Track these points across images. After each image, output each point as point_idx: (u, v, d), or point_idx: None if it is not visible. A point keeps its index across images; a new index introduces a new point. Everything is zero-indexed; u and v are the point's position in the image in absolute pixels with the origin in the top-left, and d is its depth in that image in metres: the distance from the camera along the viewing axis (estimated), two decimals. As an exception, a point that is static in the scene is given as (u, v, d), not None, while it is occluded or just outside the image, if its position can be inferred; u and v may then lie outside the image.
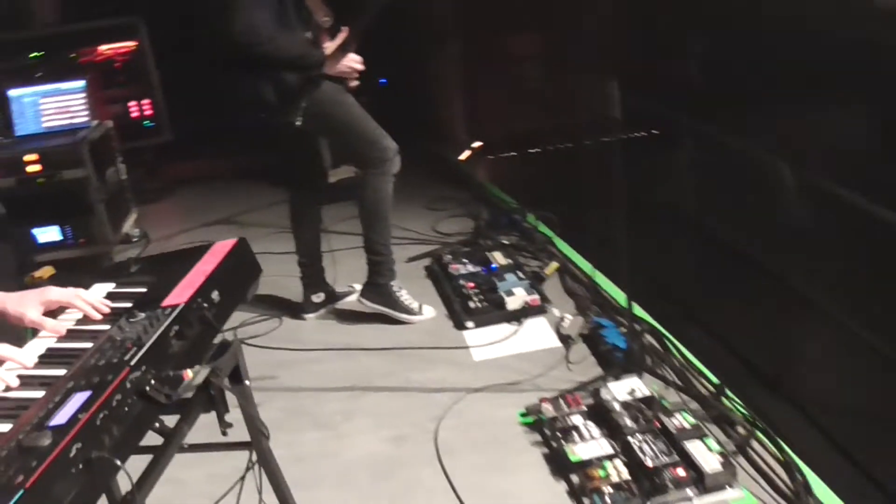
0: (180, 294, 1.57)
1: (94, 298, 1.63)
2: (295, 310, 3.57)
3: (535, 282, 3.47)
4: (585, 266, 3.62)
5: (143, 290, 1.69)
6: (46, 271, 3.41)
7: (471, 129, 6.36)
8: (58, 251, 4.27)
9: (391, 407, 2.79)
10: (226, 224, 4.96)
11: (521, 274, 3.48)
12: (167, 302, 1.57)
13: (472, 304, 3.32)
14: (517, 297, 3.28)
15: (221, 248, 1.86)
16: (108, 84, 6.04)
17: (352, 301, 3.59)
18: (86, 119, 4.40)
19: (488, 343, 3.13)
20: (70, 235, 4.27)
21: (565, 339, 3.07)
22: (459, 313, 3.31)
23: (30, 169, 4.13)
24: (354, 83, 3.22)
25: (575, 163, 5.83)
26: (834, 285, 3.02)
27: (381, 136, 3.23)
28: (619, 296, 3.27)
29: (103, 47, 6.01)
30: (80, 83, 4.40)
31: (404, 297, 3.41)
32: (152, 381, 1.34)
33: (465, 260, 3.73)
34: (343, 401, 2.87)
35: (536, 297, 3.29)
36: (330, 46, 3.14)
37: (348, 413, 2.79)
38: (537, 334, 3.16)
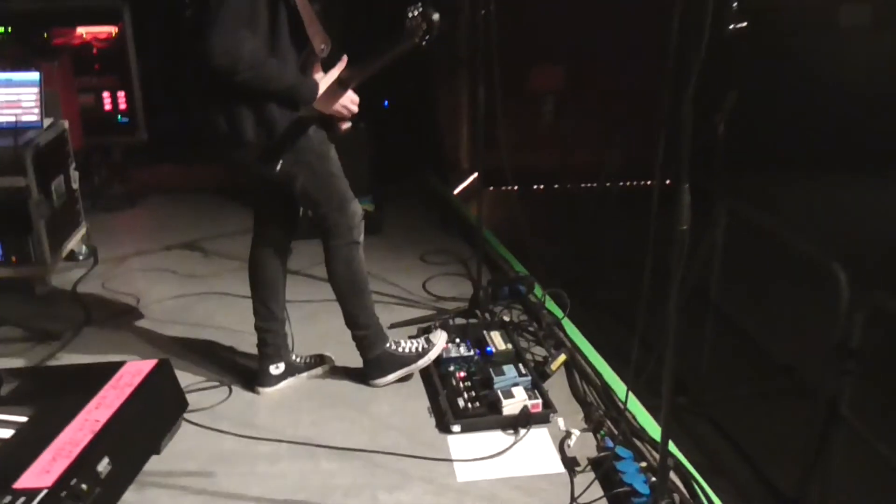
0: (48, 466, 1.07)
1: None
2: (250, 378, 3.06)
3: (539, 378, 2.97)
4: (601, 365, 3.13)
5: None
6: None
7: (475, 159, 5.96)
8: (-17, 268, 3.74)
9: (349, 540, 2.28)
10: (188, 250, 4.44)
11: (522, 368, 2.98)
12: (23, 482, 1.07)
13: (461, 402, 2.82)
14: (516, 401, 2.78)
15: (135, 372, 1.41)
16: (83, 70, 5.54)
17: (317, 374, 3.09)
18: (36, 118, 3.86)
19: (476, 458, 2.62)
20: (1, 251, 3.73)
21: (570, 465, 2.58)
22: (446, 412, 2.80)
23: (-39, 171, 3.60)
24: (346, 126, 2.73)
25: (591, 210, 5.41)
26: None
27: (352, 200, 2.83)
28: (645, 418, 2.78)
29: (81, 29, 5.52)
30: (34, 76, 3.88)
31: (407, 346, 3.00)
32: None
33: (457, 338, 3.22)
34: (291, 522, 2.36)
35: (539, 402, 2.80)
36: (324, 80, 2.64)
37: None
38: (537, 452, 2.66)
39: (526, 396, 2.80)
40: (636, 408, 2.86)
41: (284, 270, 3.00)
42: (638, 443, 2.64)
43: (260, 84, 2.50)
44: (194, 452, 2.65)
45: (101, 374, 1.33)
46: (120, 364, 1.38)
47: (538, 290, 3.68)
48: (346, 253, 2.84)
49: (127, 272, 4.15)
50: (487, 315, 3.54)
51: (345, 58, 2.70)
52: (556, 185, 6.69)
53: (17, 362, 3.22)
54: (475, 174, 5.88)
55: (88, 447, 1.16)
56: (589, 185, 6.33)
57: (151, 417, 1.33)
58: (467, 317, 3.53)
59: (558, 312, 3.54)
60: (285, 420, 2.85)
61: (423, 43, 2.47)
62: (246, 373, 3.10)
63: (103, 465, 1.16)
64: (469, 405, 2.80)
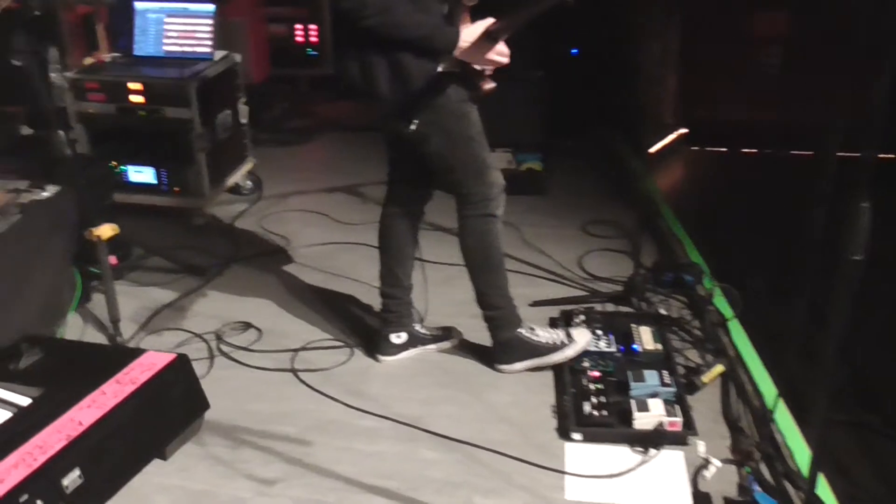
0: (4, 474, 0.95)
1: None
2: (374, 342, 2.93)
3: (685, 390, 2.61)
4: (765, 384, 2.69)
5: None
6: (107, 230, 2.97)
7: (680, 113, 5.45)
8: (148, 195, 3.88)
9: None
10: (348, 194, 4.38)
11: (667, 375, 2.62)
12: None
13: (587, 407, 2.52)
14: (650, 416, 2.44)
15: (146, 366, 1.28)
16: (276, 0, 5.63)
17: (442, 348, 2.91)
18: (207, 50, 3.90)
19: (592, 475, 2.33)
20: (165, 181, 3.85)
21: (701, 501, 2.23)
22: (568, 415, 2.52)
23: (133, 99, 3.72)
24: (490, 86, 2.45)
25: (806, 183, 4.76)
26: None
27: (491, 168, 2.57)
28: (806, 455, 2.35)
29: (282, -43, 5.59)
30: (210, 7, 3.90)
31: (542, 335, 2.75)
32: None
33: (599, 329, 2.91)
34: (376, 512, 2.22)
35: (678, 420, 2.44)
36: (472, 30, 2.37)
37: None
38: (664, 479, 2.33)
39: (664, 412, 2.45)
40: (797, 443, 2.43)
41: (415, 236, 2.81)
42: (790, 490, 2.24)
43: (390, 31, 2.29)
44: (298, 416, 2.59)
45: (114, 362, 1.22)
46: (138, 353, 1.27)
47: (707, 282, 3.25)
48: (479, 225, 2.61)
49: (284, 211, 4.16)
50: (643, 304, 3.18)
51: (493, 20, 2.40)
52: (768, 150, 6.00)
53: (160, 294, 3.31)
54: (679, 131, 5.41)
55: (57, 456, 1.04)
56: (807, 152, 5.60)
57: (154, 421, 1.21)
58: (619, 304, 3.19)
59: (727, 312, 3.10)
60: (396, 394, 2.71)
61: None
62: (372, 335, 2.97)
63: (71, 479, 1.04)
64: (596, 412, 2.50)
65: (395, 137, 2.63)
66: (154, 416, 1.23)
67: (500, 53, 2.42)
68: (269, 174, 4.57)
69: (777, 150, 5.35)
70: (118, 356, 1.27)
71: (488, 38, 2.37)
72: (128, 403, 1.19)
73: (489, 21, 2.37)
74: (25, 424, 1.11)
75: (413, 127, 2.46)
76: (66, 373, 1.22)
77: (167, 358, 1.26)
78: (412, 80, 2.36)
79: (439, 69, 2.39)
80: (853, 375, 2.68)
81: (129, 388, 1.21)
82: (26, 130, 4.09)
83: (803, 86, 5.05)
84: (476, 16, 2.45)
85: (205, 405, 1.28)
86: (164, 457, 1.27)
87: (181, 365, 1.26)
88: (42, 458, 1.04)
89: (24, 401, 1.21)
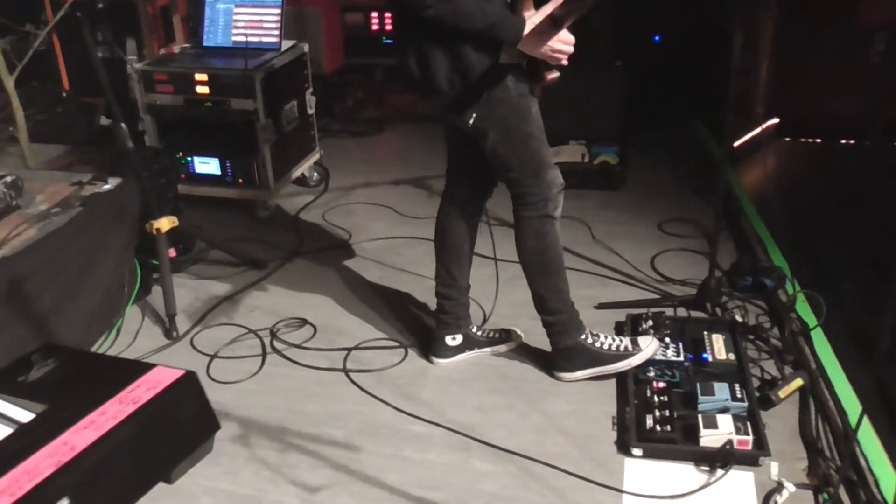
0: None
1: None
2: (429, 343, 2.85)
3: (758, 406, 2.44)
4: (849, 401, 2.49)
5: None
6: (166, 223, 2.98)
7: (773, 103, 5.17)
8: (213, 186, 3.90)
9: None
10: (415, 186, 4.31)
11: (738, 390, 2.45)
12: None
13: (649, 421, 2.38)
14: (718, 433, 2.29)
15: (152, 384, 1.23)
16: (353, -13, 5.60)
17: (500, 351, 2.82)
18: (274, 40, 3.88)
19: (652, 495, 2.20)
20: (230, 172, 3.86)
21: (772, 530, 2.07)
22: (629, 429, 2.39)
23: (199, 90, 3.73)
24: (554, 76, 2.31)
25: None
26: None
27: (550, 167, 2.44)
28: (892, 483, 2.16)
29: (353, -52, 5.55)
30: (278, -2, 3.88)
31: (605, 342, 2.63)
32: None
33: (667, 336, 2.75)
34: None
35: (749, 438, 2.28)
36: (533, 18, 2.24)
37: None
38: (731, 502, 2.17)
39: (733, 429, 2.29)
40: (884, 469, 2.23)
41: (473, 235, 2.71)
42: (872, 521, 2.05)
43: (453, 21, 2.18)
44: (348, 418, 2.53)
45: (121, 379, 1.17)
46: (147, 368, 1.21)
47: (790, 287, 3.05)
48: (537, 227, 2.49)
49: (350, 204, 4.12)
50: (718, 310, 3.00)
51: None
52: (866, 142, 5.63)
53: (220, 287, 3.32)
54: (770, 121, 5.13)
55: (44, 484, 0.99)
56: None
57: (158, 444, 1.15)
58: (691, 309, 3.02)
59: (811, 320, 2.89)
60: (450, 399, 2.62)
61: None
62: (428, 336, 2.90)
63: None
64: (659, 426, 2.36)
65: (454, 132, 2.54)
66: (157, 438, 1.17)
67: (565, 41, 2.28)
68: (338, 165, 4.54)
69: (876, 142, 5.02)
70: (127, 371, 1.22)
71: (551, 25, 2.24)
72: (127, 425, 1.13)
73: (553, 5, 2.24)
74: (20, 444, 1.07)
75: (471, 121, 2.36)
76: (73, 388, 1.18)
77: (175, 375, 1.20)
78: (472, 72, 2.27)
79: (500, 61, 2.28)
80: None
81: (130, 409, 1.16)
82: (104, 121, 4.17)
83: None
84: (538, 3, 2.32)
85: (215, 426, 1.22)
86: (169, 481, 1.22)
87: (189, 382, 1.20)
88: (28, 486, 1.00)
89: (26, 416, 1.17)
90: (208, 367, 2.78)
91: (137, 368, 1.23)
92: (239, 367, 2.80)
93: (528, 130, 2.40)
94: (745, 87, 5.48)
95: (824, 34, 4.91)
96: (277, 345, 2.91)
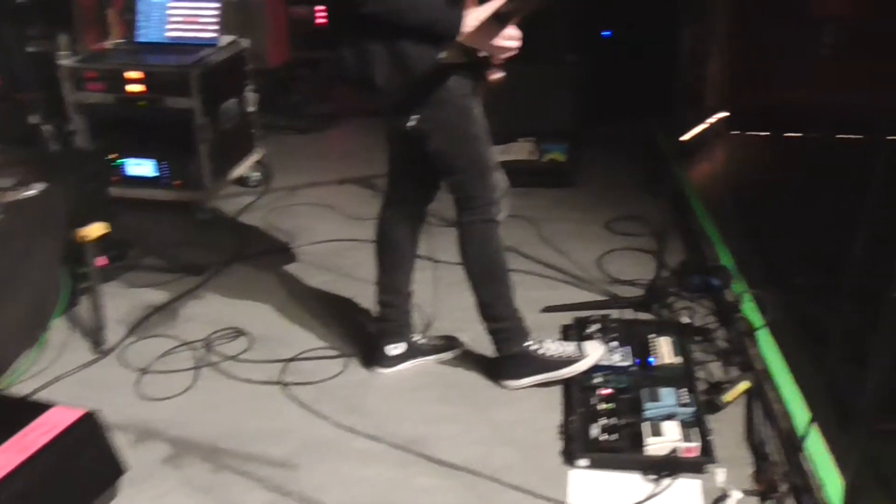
0: None
1: None
2: (372, 352, 2.78)
3: (705, 411, 2.41)
4: (795, 404, 2.47)
5: None
6: (96, 230, 2.85)
7: (723, 95, 5.17)
8: (149, 189, 3.77)
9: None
10: (361, 186, 4.22)
11: (685, 394, 2.42)
12: None
13: (594, 430, 2.33)
14: (664, 441, 2.25)
15: (46, 428, 1.13)
16: (297, -20, 5.47)
17: (444, 359, 2.75)
18: (213, 35, 3.75)
19: (598, 508, 2.16)
20: (166, 174, 3.73)
21: (719, 539, 2.04)
22: (575, 438, 2.34)
23: (131, 88, 3.59)
24: (498, 76, 2.25)
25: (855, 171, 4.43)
26: None
27: (494, 169, 2.38)
28: (837, 489, 2.14)
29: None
30: (214, -9, 3.75)
31: (551, 348, 2.57)
32: None
33: (614, 339, 2.71)
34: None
35: (696, 445, 2.24)
36: (476, 12, 2.16)
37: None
38: (678, 513, 2.14)
39: (679, 436, 2.26)
40: (830, 475, 2.22)
41: (415, 240, 2.64)
42: (817, 530, 2.03)
43: (392, 16, 2.10)
44: (285, 436, 2.44)
45: (13, 422, 1.07)
46: (43, 408, 1.11)
47: (737, 287, 3.03)
48: (480, 231, 2.43)
49: (293, 205, 4.02)
50: (665, 311, 2.97)
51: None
52: (815, 134, 5.68)
53: (155, 295, 3.20)
54: (720, 114, 5.14)
55: None
56: (857, 136, 5.29)
57: (51, 496, 1.05)
58: (639, 310, 2.99)
59: (756, 321, 2.87)
60: (394, 411, 2.55)
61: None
62: (370, 345, 2.81)
63: None
64: (604, 435, 2.32)
65: (396, 132, 2.46)
66: (51, 489, 1.08)
67: (510, 38, 2.22)
68: (282, 164, 4.44)
69: (824, 133, 5.05)
70: (18, 413, 1.12)
71: (496, 21, 2.17)
72: (16, 478, 1.03)
73: (498, 2, 2.16)
74: None
75: (412, 123, 2.28)
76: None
77: (73, 416, 1.10)
78: (411, 70, 2.17)
79: (441, 57, 2.20)
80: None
81: (19, 459, 1.06)
82: (34, 119, 4.01)
83: (855, 67, 4.76)
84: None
85: (118, 470, 1.13)
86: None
87: (89, 424, 1.11)
88: None
89: None
90: (138, 383, 2.68)
91: (31, 409, 1.13)
92: (171, 382, 2.69)
93: (471, 132, 2.33)
94: (696, 79, 5.50)
95: (774, 27, 4.93)
96: (212, 357, 2.81)
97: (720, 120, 5.20)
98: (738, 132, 5.16)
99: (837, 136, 5.02)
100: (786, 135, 5.24)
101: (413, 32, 2.13)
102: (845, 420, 2.38)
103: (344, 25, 2.25)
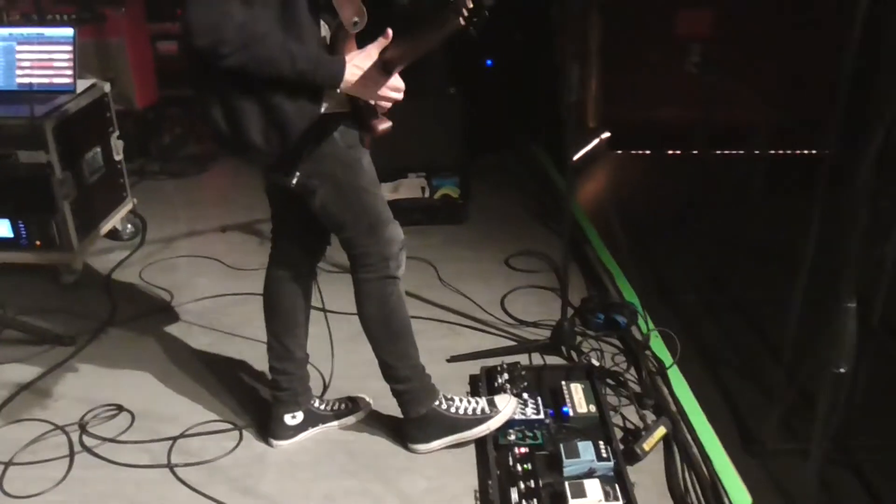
0: None
1: None
2: (267, 423, 2.56)
3: (625, 463, 2.32)
4: (713, 447, 2.43)
5: None
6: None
7: (603, 116, 5.23)
8: (6, 251, 3.41)
9: None
10: (244, 233, 3.99)
11: (602, 447, 2.32)
12: None
13: (515, 495, 2.20)
14: (587, 502, 2.14)
15: None
16: (163, 16, 5.17)
17: (348, 424, 2.57)
18: (68, 81, 3.46)
19: (524, 583, 2.02)
20: (24, 234, 3.39)
21: None
22: (493, 506, 2.20)
23: (-23, 142, 3.25)
24: (384, 126, 2.09)
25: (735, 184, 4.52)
26: None
27: (388, 223, 2.23)
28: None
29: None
30: (68, 32, 3.45)
31: (461, 406, 2.43)
32: None
33: (525, 390, 2.60)
34: None
35: (619, 503, 2.15)
36: (359, 58, 2.00)
37: None
38: (607, 580, 2.03)
39: (601, 496, 2.15)
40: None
41: (307, 300, 2.45)
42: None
43: (259, 69, 1.88)
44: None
45: None
46: None
47: (643, 324, 2.98)
48: (378, 290, 2.26)
49: (170, 259, 3.75)
50: (574, 353, 2.89)
51: (388, 32, 2.04)
52: (694, 151, 5.83)
53: (18, 372, 2.87)
54: (602, 135, 5.19)
55: None
56: (734, 151, 5.45)
57: None
58: (547, 353, 2.90)
59: (666, 358, 2.83)
60: (294, 488, 2.34)
61: (471, 28, 1.80)
62: (265, 413, 2.60)
63: None
64: (524, 501, 2.19)
65: (278, 189, 2.27)
66: None
67: (395, 89, 2.07)
68: (157, 213, 4.15)
69: (703, 150, 5.17)
70: None
71: (382, 70, 2.02)
72: None
73: (379, 45, 2.01)
74: None
75: (295, 180, 2.10)
76: None
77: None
78: (290, 125, 1.98)
79: (322, 110, 2.03)
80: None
81: None
82: None
83: (726, 85, 4.90)
84: (363, 40, 2.10)
85: None
86: None
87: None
88: None
89: None
90: (2, 478, 2.37)
91: None
92: (41, 474, 2.39)
93: (360, 185, 2.17)
94: (578, 101, 5.54)
95: (644, 47, 5.04)
96: (88, 441, 2.52)
97: (603, 140, 5.27)
98: (620, 151, 5.25)
99: (717, 151, 5.16)
100: (669, 152, 5.37)
101: (289, 84, 1.95)
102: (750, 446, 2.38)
103: (206, 78, 2.02)
